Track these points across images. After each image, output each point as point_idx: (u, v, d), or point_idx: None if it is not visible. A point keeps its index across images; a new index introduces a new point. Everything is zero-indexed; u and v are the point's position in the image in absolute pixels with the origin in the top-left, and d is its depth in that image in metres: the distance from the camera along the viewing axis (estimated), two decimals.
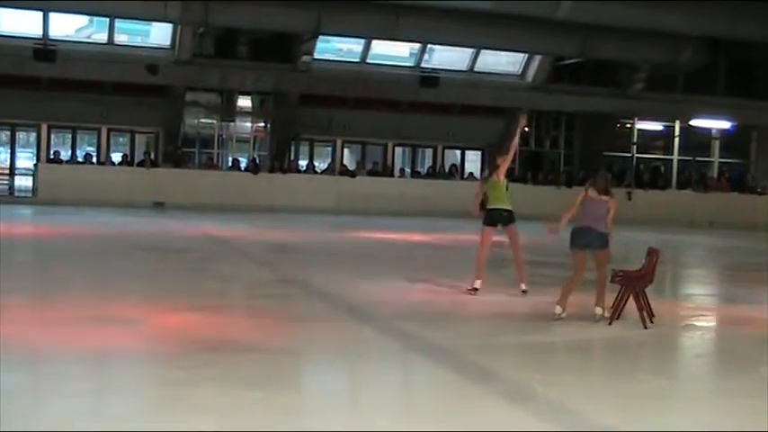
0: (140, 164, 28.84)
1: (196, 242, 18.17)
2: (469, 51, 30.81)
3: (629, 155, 33.82)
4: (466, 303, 11.29)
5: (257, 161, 30.68)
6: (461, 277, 12.49)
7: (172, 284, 12.17)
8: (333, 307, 10.90)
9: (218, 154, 31.72)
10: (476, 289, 11.64)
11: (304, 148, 32.32)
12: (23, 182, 28.99)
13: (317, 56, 29.45)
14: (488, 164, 28.89)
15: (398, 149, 33.47)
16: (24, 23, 27.58)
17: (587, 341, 9.43)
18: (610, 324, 9.74)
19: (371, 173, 30.95)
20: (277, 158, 30.36)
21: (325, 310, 10.67)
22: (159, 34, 28.97)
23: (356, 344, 8.78)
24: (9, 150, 30.39)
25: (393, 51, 30.80)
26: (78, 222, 20.04)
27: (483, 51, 30.66)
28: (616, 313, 9.82)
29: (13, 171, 29.70)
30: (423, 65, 30.71)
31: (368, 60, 30.48)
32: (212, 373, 7.22)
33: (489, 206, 11.81)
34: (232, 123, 31.54)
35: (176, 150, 29.88)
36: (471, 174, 31.94)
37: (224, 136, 31.80)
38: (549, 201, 24.03)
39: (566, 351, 9.13)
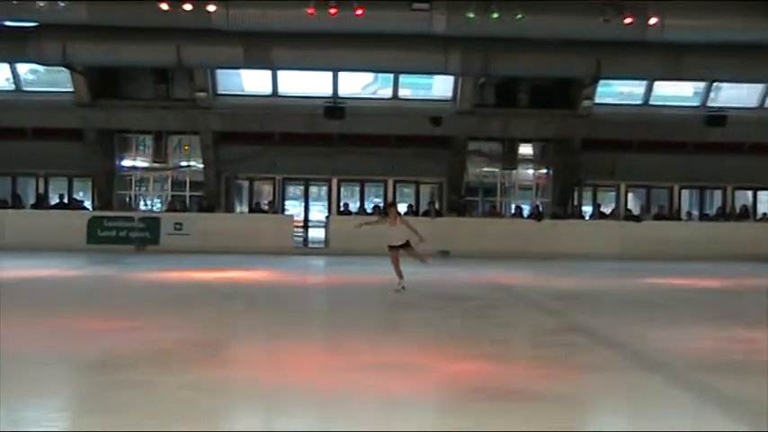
0: (425, 213, 29.51)
1: (481, 290, 18.30)
2: (759, 87, 29.41)
3: None
4: (763, 352, 10.66)
5: (540, 208, 30.62)
6: (756, 324, 11.83)
7: (458, 332, 12.29)
8: (621, 356, 10.61)
9: (501, 202, 31.93)
10: None
11: (587, 194, 31.92)
12: (316, 233, 30.38)
13: (598, 100, 29.13)
14: None
15: (685, 192, 32.34)
16: (316, 84, 29.18)
17: None
18: None
19: (657, 217, 30.09)
20: (560, 205, 30.17)
21: (612, 359, 10.39)
22: (441, 87, 29.73)
23: (645, 394, 8.49)
24: (303, 204, 32.05)
25: (677, 92, 29.94)
26: (366, 272, 20.71)
27: None
28: None
29: (307, 224, 31.24)
30: (708, 103, 29.63)
31: (651, 102, 29.78)
32: (499, 422, 7.19)
33: None
34: (514, 171, 31.68)
35: (460, 199, 30.38)
36: (765, 215, 30.35)
37: (506, 184, 31.99)
38: None
39: None
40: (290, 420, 7.36)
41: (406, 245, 17.33)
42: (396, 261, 17.17)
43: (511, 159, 31.12)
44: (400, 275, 16.92)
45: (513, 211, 30.99)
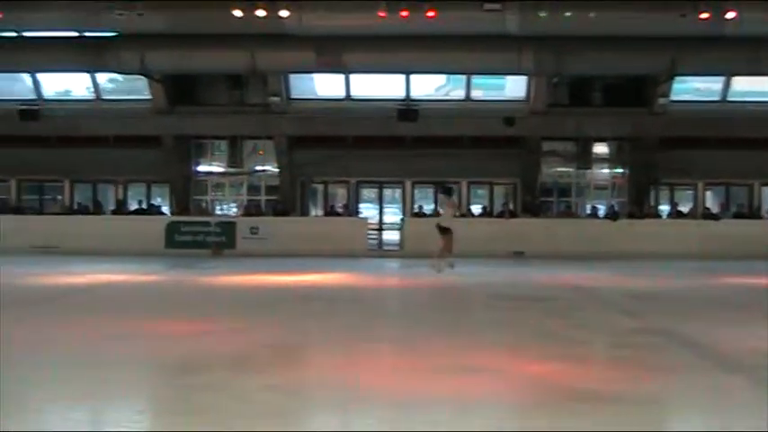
0: (499, 215, 29.44)
1: (556, 291, 18.19)
2: None
3: None
4: None
5: (616, 208, 30.32)
6: None
7: (533, 333, 12.25)
8: (699, 356, 10.47)
9: (575, 202, 31.69)
10: None
11: (664, 193, 31.50)
12: (391, 236, 30.47)
13: (673, 97, 28.75)
14: None
15: (765, 189, 31.71)
16: (388, 86, 29.29)
17: None
18: None
19: (736, 215, 29.59)
20: (636, 204, 29.84)
21: (691, 360, 10.26)
22: (514, 87, 29.61)
23: (725, 396, 8.38)
24: (377, 206, 32.18)
25: (755, 87, 29.40)
26: (441, 273, 20.69)
27: None
28: None
29: (381, 226, 31.35)
30: None
31: (728, 98, 29.29)
32: (576, 423, 7.17)
33: None
34: (589, 171, 31.40)
35: (534, 200, 30.23)
36: None
37: (581, 184, 31.73)
38: None
39: None
40: (368, 422, 7.41)
41: (447, 230, 19.20)
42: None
43: (585, 159, 30.85)
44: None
45: (588, 212, 30.76)
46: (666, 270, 22.69)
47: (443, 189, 23.08)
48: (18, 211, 31.13)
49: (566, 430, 6.96)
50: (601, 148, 31.49)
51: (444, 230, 20.27)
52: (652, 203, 30.78)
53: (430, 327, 12.94)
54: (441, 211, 20.02)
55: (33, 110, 29.04)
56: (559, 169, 31.46)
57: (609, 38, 25.38)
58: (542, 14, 23.89)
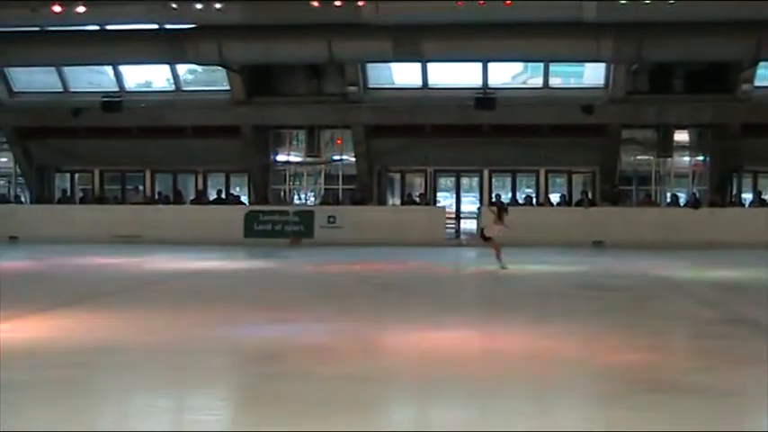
0: (578, 203, 29.18)
1: (636, 280, 17.98)
2: None
3: None
4: None
5: (697, 196, 29.82)
6: None
7: (613, 323, 12.14)
8: None
9: (656, 190, 31.25)
10: None
11: (747, 181, 30.89)
12: (468, 225, 30.39)
13: (757, 83, 28.12)
14: None
15: None
16: (466, 75, 29.19)
17: None
18: None
19: None
20: (718, 192, 29.31)
21: None
22: (593, 74, 29.28)
23: None
24: (454, 195, 32.12)
25: None
26: (519, 262, 20.59)
27: None
28: None
29: (458, 215, 31.29)
30: None
31: None
32: (657, 415, 7.08)
33: None
34: (669, 159, 30.89)
35: (614, 188, 29.88)
36: None
37: (661, 172, 31.26)
38: None
39: None
40: (446, 411, 7.43)
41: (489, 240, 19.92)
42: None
43: (666, 147, 30.33)
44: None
45: (668, 200, 30.30)
46: (749, 259, 22.23)
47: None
48: (101, 200, 31.79)
49: (646, 422, 6.88)
50: (682, 136, 30.96)
51: (487, 239, 20.12)
52: (734, 191, 30.20)
53: (509, 316, 12.90)
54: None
55: (116, 101, 29.56)
56: (639, 157, 31.03)
57: (690, 24, 24.91)
58: (621, 1, 23.55)
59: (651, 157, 30.87)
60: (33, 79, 31.31)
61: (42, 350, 9.68)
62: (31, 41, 27.58)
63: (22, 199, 32.58)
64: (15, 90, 31.24)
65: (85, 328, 11.23)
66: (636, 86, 29.29)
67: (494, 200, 29.19)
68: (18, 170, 32.86)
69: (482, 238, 20.56)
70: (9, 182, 33.34)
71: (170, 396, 7.97)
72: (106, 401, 7.70)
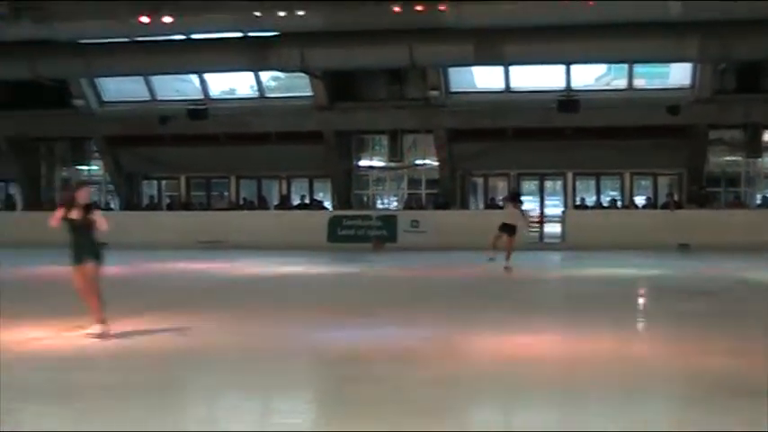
0: (664, 206, 28.76)
1: (724, 284, 17.66)
2: None
3: None
4: None
5: None
6: None
7: (698, 326, 11.96)
8: None
9: (745, 192, 30.62)
10: None
11: None
12: (552, 228, 30.15)
13: None
14: None
15: None
16: (548, 77, 28.98)
17: None
18: None
19: None
20: None
21: None
22: (678, 74, 28.83)
23: None
24: (538, 199, 31.90)
25: None
26: (604, 266, 20.41)
27: None
28: None
29: (542, 219, 31.07)
30: None
31: None
32: (737, 420, 7.00)
33: None
34: (759, 159, 30.25)
35: (701, 190, 29.37)
36: None
37: (751, 173, 30.63)
38: None
39: None
40: (530, 416, 7.42)
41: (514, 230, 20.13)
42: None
43: (755, 147, 29.69)
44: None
45: (758, 202, 29.66)
46: None
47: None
48: (187, 206, 32.33)
49: (725, 426, 6.78)
50: None
51: (512, 229, 20.10)
52: None
53: (592, 319, 12.77)
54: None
55: (201, 109, 30.06)
56: (727, 158, 30.44)
57: None
58: None
59: (739, 158, 30.27)
60: (122, 89, 31.99)
61: (132, 352, 9.91)
62: (119, 52, 28.16)
63: (112, 206, 33.27)
64: (105, 100, 31.97)
65: (175, 330, 11.44)
66: (723, 86, 28.76)
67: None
68: (108, 178, 33.61)
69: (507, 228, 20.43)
70: (99, 189, 34.07)
71: (257, 398, 8.09)
72: (196, 401, 7.87)
